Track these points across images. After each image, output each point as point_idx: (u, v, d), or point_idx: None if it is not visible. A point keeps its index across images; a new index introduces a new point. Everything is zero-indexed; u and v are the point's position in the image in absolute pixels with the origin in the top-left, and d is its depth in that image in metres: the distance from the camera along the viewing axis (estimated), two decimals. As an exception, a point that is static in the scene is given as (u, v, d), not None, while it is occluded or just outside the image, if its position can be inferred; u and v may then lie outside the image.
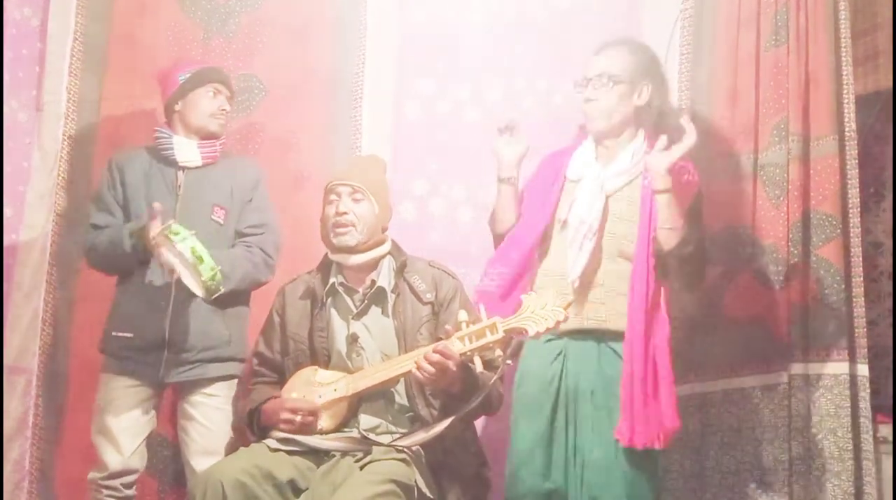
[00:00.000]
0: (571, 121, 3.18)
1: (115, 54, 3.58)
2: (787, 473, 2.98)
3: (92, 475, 2.96)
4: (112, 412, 2.95)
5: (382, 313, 2.79)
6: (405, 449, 2.57)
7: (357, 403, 2.72)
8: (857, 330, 2.99)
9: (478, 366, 2.56)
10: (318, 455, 2.63)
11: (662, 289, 2.78)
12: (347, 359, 2.77)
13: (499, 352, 2.59)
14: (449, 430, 2.60)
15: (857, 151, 3.06)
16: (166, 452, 3.35)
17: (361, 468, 2.53)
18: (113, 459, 2.94)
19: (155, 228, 2.82)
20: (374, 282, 2.80)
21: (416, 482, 2.51)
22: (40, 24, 3.54)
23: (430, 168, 3.56)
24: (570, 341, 2.80)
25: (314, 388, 2.72)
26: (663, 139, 2.71)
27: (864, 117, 3.30)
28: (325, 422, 2.69)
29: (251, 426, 2.79)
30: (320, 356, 2.78)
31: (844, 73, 3.07)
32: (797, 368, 3.01)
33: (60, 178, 3.47)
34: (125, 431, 2.95)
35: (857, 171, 3.05)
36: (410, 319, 2.75)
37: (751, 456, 3.07)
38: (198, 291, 2.80)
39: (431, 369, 2.52)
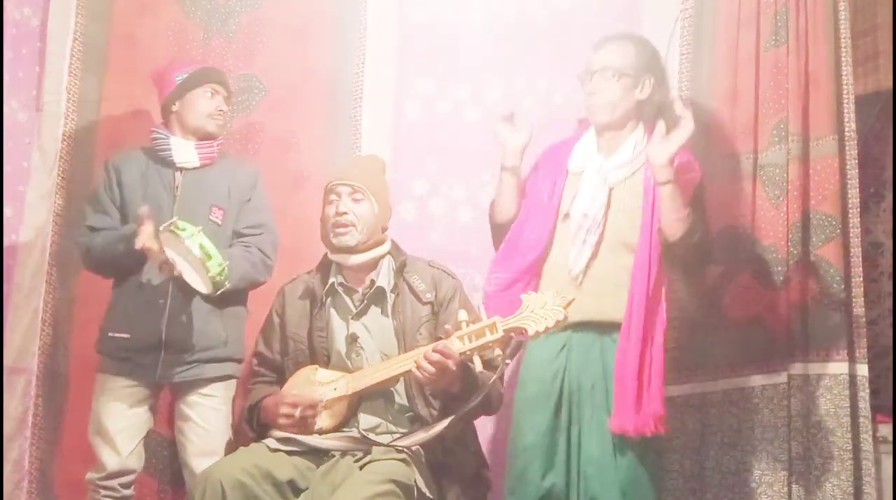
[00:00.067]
0: (571, 121, 3.19)
1: (115, 54, 3.58)
2: (787, 473, 2.97)
3: (90, 475, 2.97)
4: (109, 413, 2.96)
5: (382, 312, 2.79)
6: (405, 449, 2.57)
7: (357, 402, 2.72)
8: (857, 330, 2.99)
9: (477, 365, 2.56)
10: (318, 455, 2.63)
11: (664, 281, 2.78)
12: (347, 359, 2.77)
13: (498, 351, 2.59)
14: (449, 430, 2.60)
15: (856, 151, 3.06)
16: (165, 452, 3.35)
17: (361, 467, 2.53)
18: (110, 459, 2.94)
19: (145, 233, 2.82)
20: (373, 282, 2.80)
21: (415, 481, 2.51)
22: (40, 24, 3.54)
23: (430, 168, 3.56)
24: (574, 334, 2.80)
25: (314, 387, 2.72)
26: (661, 126, 2.72)
27: (864, 117, 3.30)
28: (324, 421, 2.69)
29: (250, 422, 2.79)
30: (320, 356, 2.78)
31: (844, 73, 3.07)
32: (797, 368, 3.01)
33: (60, 178, 3.48)
34: (122, 431, 2.95)
35: (856, 171, 3.04)
36: (410, 319, 2.75)
37: (751, 456, 3.06)
38: (201, 287, 2.80)
39: (431, 368, 2.52)
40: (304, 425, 2.67)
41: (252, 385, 2.89)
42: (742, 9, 3.25)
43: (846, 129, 3.05)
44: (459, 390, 2.60)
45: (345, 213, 2.80)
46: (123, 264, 2.96)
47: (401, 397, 2.73)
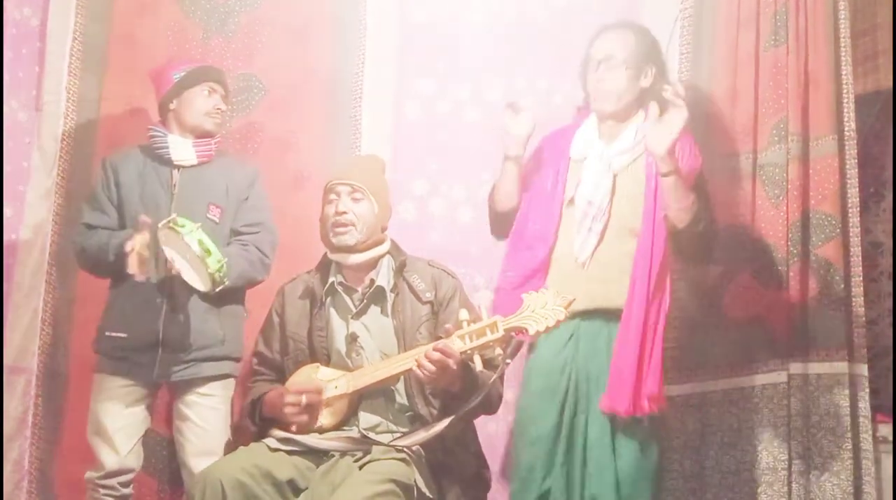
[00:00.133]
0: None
1: (115, 54, 3.57)
2: (787, 473, 2.98)
3: (89, 474, 2.97)
4: (107, 412, 2.96)
5: (382, 312, 2.79)
6: (405, 449, 2.57)
7: (357, 401, 2.72)
8: (856, 330, 3.00)
9: (478, 365, 2.56)
10: (318, 455, 2.63)
11: (668, 267, 2.79)
12: (347, 358, 2.77)
13: (499, 351, 2.59)
14: (449, 429, 2.60)
15: (856, 151, 3.06)
16: (165, 451, 3.34)
17: (361, 467, 2.52)
18: (109, 458, 2.94)
19: (139, 241, 2.82)
20: (373, 281, 2.80)
21: (415, 481, 2.51)
22: (40, 23, 3.54)
23: (430, 168, 3.57)
24: (582, 323, 2.80)
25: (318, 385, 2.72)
26: (655, 108, 2.72)
27: (863, 117, 3.30)
28: (325, 419, 2.69)
29: (252, 416, 2.79)
30: (320, 356, 2.78)
31: (844, 73, 3.08)
32: (797, 368, 3.01)
33: (60, 177, 3.47)
34: (121, 431, 2.95)
35: (856, 170, 3.05)
36: (409, 318, 2.75)
37: (751, 456, 3.07)
38: (200, 284, 2.80)
39: (432, 367, 2.51)
40: (311, 412, 2.66)
41: (252, 384, 2.88)
42: (742, 9, 3.25)
43: (846, 128, 3.06)
44: (460, 390, 2.60)
45: (344, 212, 2.80)
46: (114, 268, 2.95)
47: (401, 396, 2.73)
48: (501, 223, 3.01)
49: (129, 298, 2.97)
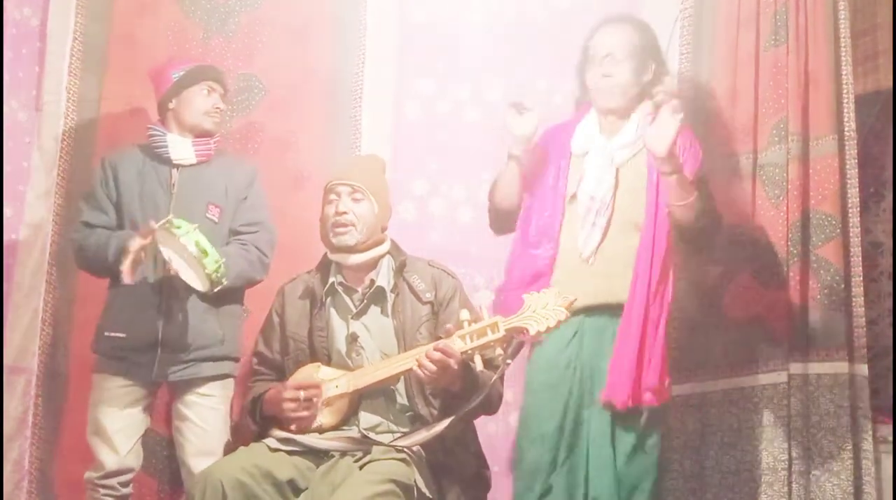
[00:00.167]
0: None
1: (115, 54, 3.57)
2: (787, 473, 2.98)
3: (88, 474, 2.96)
4: (106, 413, 2.95)
5: (382, 312, 2.79)
6: (405, 449, 2.57)
7: (358, 400, 2.72)
8: (856, 330, 3.00)
9: (478, 365, 2.56)
10: (318, 455, 2.63)
11: (671, 261, 2.80)
12: (347, 358, 2.77)
13: (499, 351, 2.59)
14: (449, 430, 2.60)
15: (856, 151, 3.07)
16: (164, 451, 3.34)
17: (361, 467, 2.52)
18: (109, 458, 2.94)
19: (138, 244, 2.82)
20: (373, 281, 2.80)
21: (415, 481, 2.51)
22: (40, 23, 3.53)
23: (430, 168, 3.57)
24: (587, 319, 2.80)
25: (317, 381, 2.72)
26: (647, 106, 2.75)
27: (863, 117, 3.30)
28: (326, 418, 2.69)
29: (253, 414, 2.79)
30: (320, 356, 2.78)
31: (844, 72, 3.08)
32: (797, 368, 3.01)
33: (60, 177, 3.47)
34: (120, 431, 2.95)
35: (856, 170, 3.05)
36: (410, 318, 2.75)
37: (751, 456, 3.07)
38: (198, 285, 2.80)
39: (433, 367, 2.52)
40: (310, 407, 2.66)
41: (252, 384, 2.88)
42: (742, 8, 3.25)
43: (846, 128, 3.06)
44: (460, 390, 2.60)
45: (344, 212, 2.80)
46: (113, 269, 2.95)
47: (402, 397, 2.73)
48: (501, 220, 3.01)
49: (127, 298, 2.97)
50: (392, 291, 2.79)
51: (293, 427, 2.68)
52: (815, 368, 3.00)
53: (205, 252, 2.73)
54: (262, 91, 3.59)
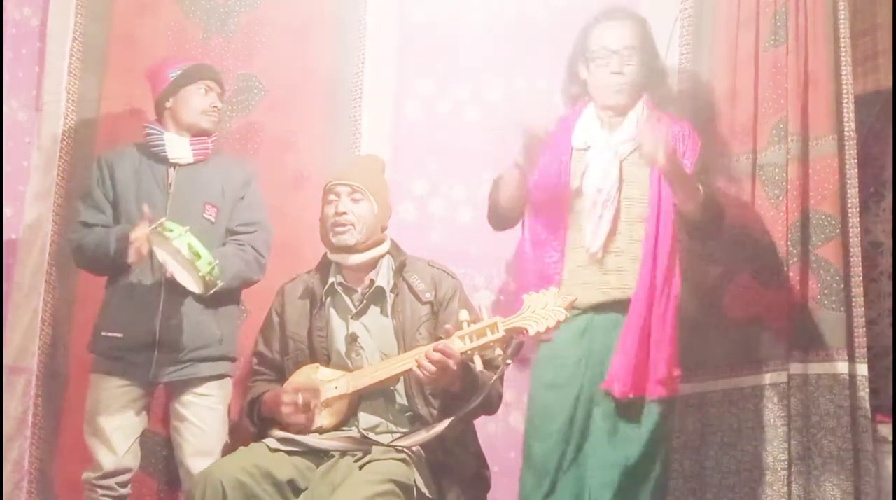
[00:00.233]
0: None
1: (115, 54, 3.57)
2: (787, 473, 2.98)
3: (86, 474, 2.96)
4: (104, 413, 2.95)
5: (381, 312, 2.79)
6: (405, 449, 2.57)
7: (357, 401, 2.72)
8: (856, 330, 3.00)
9: (478, 365, 2.56)
10: (318, 455, 2.63)
11: (677, 252, 2.79)
12: (347, 358, 2.77)
13: (499, 351, 2.59)
14: (449, 430, 2.60)
15: (856, 151, 3.07)
16: (163, 451, 3.34)
17: (361, 467, 2.52)
18: (107, 459, 2.94)
19: (139, 232, 2.82)
20: (373, 281, 2.80)
21: (415, 482, 2.52)
22: (40, 23, 3.54)
23: (430, 168, 3.57)
24: (595, 316, 2.79)
25: (315, 385, 2.71)
26: (646, 110, 2.76)
27: (863, 117, 3.30)
28: (325, 419, 2.69)
29: (251, 415, 2.79)
30: (320, 356, 2.78)
31: (844, 73, 3.08)
32: (797, 368, 3.01)
33: (59, 177, 3.47)
34: (118, 431, 2.95)
35: (856, 170, 3.05)
36: (409, 318, 2.75)
37: (751, 456, 3.07)
38: (193, 287, 2.80)
39: (433, 367, 2.52)
40: (308, 410, 2.66)
41: (252, 384, 2.88)
42: (741, 9, 3.26)
43: (845, 128, 3.07)
44: (460, 390, 2.60)
45: (344, 213, 2.80)
46: (114, 263, 2.95)
47: (401, 397, 2.73)
48: (501, 217, 3.00)
49: (125, 297, 2.97)
50: (392, 291, 2.79)
51: (292, 428, 2.68)
52: (815, 368, 3.00)
53: (197, 255, 2.73)
54: (261, 91, 3.59)
